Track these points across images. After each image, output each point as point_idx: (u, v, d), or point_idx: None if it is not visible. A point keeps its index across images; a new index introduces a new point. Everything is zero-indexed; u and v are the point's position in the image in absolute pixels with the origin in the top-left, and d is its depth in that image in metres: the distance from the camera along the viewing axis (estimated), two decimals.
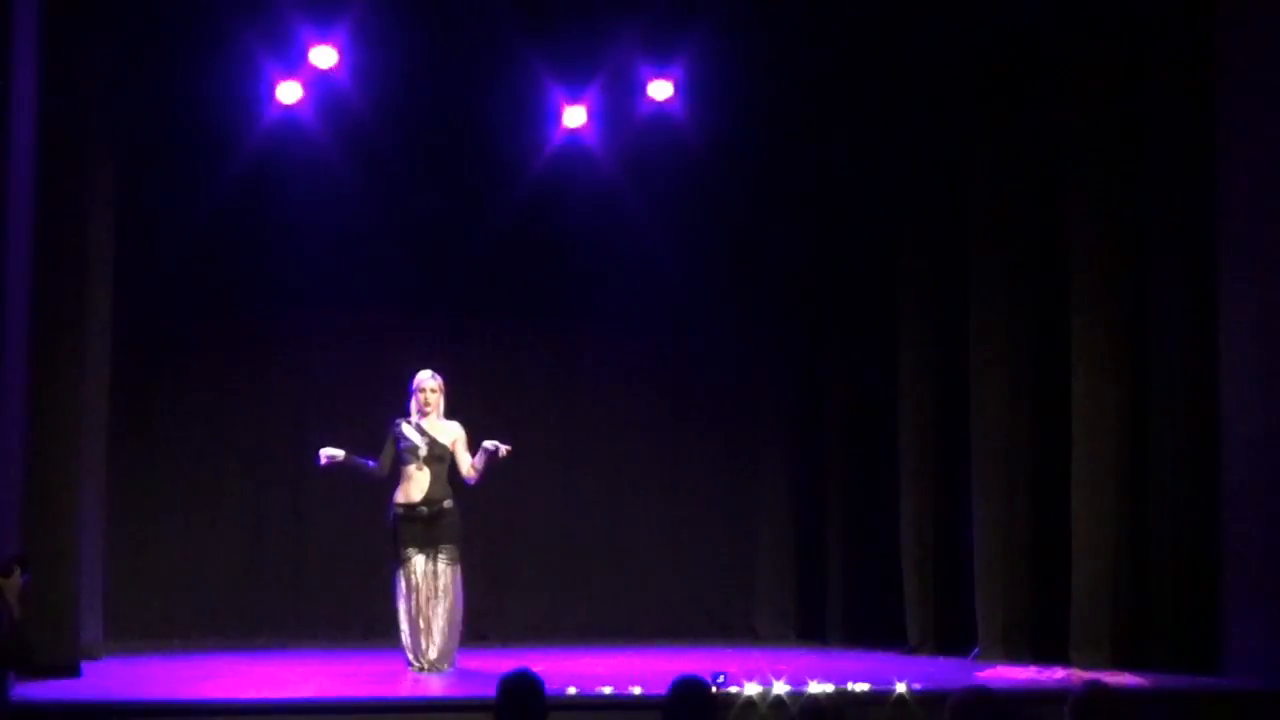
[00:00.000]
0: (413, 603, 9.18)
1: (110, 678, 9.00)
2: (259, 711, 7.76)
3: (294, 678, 9.20)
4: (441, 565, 9.23)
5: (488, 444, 9.27)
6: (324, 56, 11.22)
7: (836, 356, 12.45)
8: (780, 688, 7.91)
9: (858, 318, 12.26)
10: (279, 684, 8.93)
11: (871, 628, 11.72)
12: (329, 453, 9.37)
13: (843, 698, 7.98)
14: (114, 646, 10.34)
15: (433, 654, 9.16)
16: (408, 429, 9.35)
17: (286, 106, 11.47)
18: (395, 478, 9.40)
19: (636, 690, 8.05)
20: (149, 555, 11.59)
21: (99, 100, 9.59)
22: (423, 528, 9.23)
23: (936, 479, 11.22)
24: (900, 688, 8.05)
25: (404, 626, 9.24)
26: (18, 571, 6.91)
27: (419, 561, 9.20)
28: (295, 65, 11.31)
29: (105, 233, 9.93)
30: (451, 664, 9.26)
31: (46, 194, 8.87)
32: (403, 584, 9.22)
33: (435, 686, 8.84)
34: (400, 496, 9.31)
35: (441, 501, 9.28)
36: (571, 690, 7.99)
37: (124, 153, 10.41)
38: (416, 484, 9.28)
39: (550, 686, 5.59)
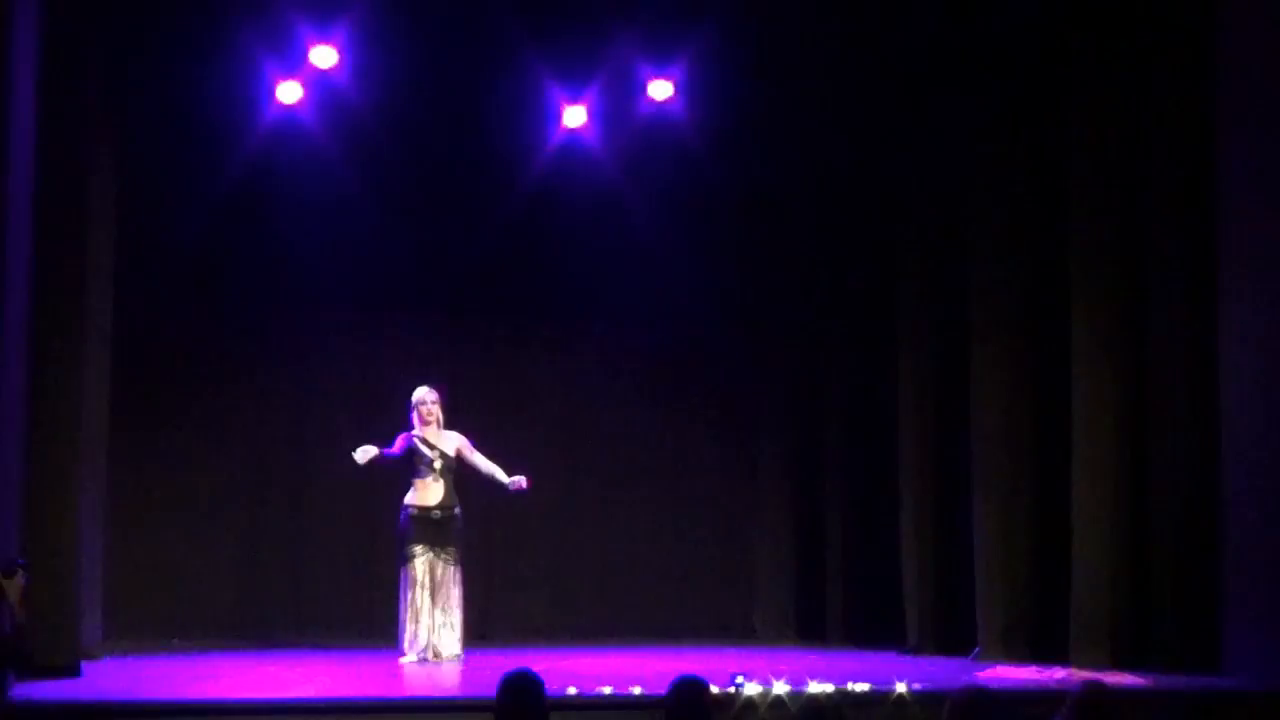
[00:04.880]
0: (417, 597, 9.84)
1: (110, 678, 8.99)
2: (259, 711, 7.76)
3: (294, 678, 9.20)
4: (444, 564, 9.91)
5: (514, 481, 10.11)
6: (324, 56, 11.22)
7: (836, 356, 12.45)
8: (780, 688, 7.91)
9: (857, 317, 12.26)
10: (279, 684, 8.93)
11: (871, 628, 11.72)
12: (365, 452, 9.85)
13: (843, 698, 7.98)
14: (114, 646, 10.34)
15: (444, 650, 9.81)
16: (420, 444, 9.97)
17: (286, 106, 11.46)
18: (408, 482, 10.01)
19: (636, 690, 8.05)
20: (149, 555, 11.59)
21: (99, 100, 9.59)
22: (433, 529, 9.92)
23: (936, 479, 11.22)
24: (900, 688, 8.04)
25: (406, 619, 9.84)
26: (20, 572, 6.91)
27: (424, 559, 9.87)
28: (295, 65, 11.31)
29: (105, 233, 9.93)
30: (462, 656, 9.87)
31: (46, 194, 8.87)
32: (408, 579, 9.90)
33: (435, 686, 8.85)
34: (415, 499, 9.99)
35: (453, 508, 10.04)
36: (571, 690, 7.99)
37: (124, 153, 10.40)
38: (433, 491, 10.00)
39: (550, 686, 5.60)
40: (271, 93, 11.40)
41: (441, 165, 12.12)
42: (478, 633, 11.67)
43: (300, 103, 11.48)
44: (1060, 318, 10.10)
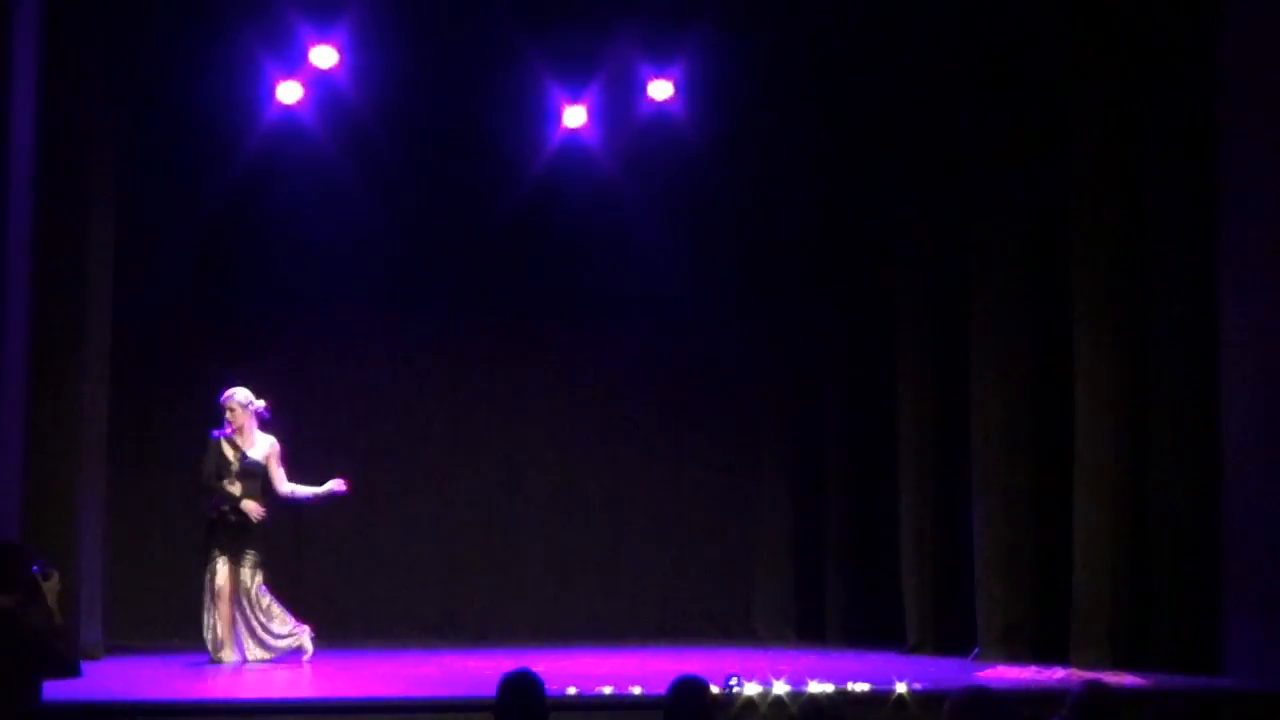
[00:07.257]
0: (216, 603, 9.73)
1: (110, 678, 8.99)
2: (259, 711, 7.77)
3: (294, 678, 9.21)
4: (246, 570, 9.81)
5: (336, 487, 10.17)
6: (324, 56, 11.23)
7: (836, 356, 12.45)
8: (780, 688, 7.92)
9: (858, 317, 12.26)
10: (279, 684, 8.94)
11: (871, 628, 11.72)
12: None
13: (843, 698, 7.99)
14: (114, 646, 10.34)
15: (255, 653, 9.70)
16: (224, 444, 9.96)
17: (286, 106, 11.47)
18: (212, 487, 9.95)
19: (636, 690, 8.06)
20: (149, 555, 11.58)
21: (99, 100, 9.59)
22: (230, 535, 9.83)
23: (936, 479, 11.23)
24: (900, 688, 8.05)
25: (207, 623, 9.78)
26: (55, 576, 6.90)
27: (222, 565, 9.78)
28: (295, 65, 11.31)
29: (105, 233, 9.93)
30: (276, 656, 9.80)
31: (47, 195, 8.87)
32: (208, 586, 9.79)
33: (433, 686, 8.85)
34: (215, 503, 9.89)
35: (250, 511, 9.87)
36: (571, 690, 7.99)
37: (124, 153, 10.40)
38: (230, 495, 9.86)
39: (550, 686, 5.60)
40: (271, 93, 11.41)
41: (441, 165, 12.12)
42: (478, 633, 11.68)
43: (300, 103, 11.48)
44: (1061, 318, 10.10)
